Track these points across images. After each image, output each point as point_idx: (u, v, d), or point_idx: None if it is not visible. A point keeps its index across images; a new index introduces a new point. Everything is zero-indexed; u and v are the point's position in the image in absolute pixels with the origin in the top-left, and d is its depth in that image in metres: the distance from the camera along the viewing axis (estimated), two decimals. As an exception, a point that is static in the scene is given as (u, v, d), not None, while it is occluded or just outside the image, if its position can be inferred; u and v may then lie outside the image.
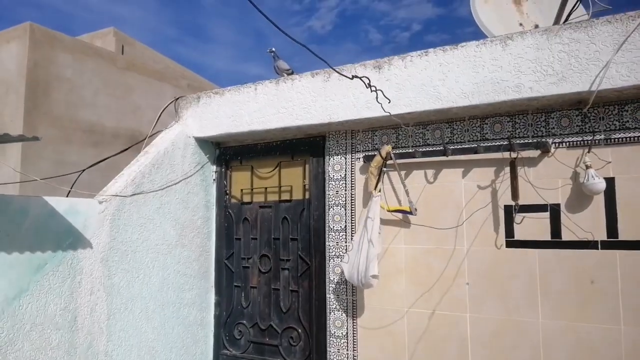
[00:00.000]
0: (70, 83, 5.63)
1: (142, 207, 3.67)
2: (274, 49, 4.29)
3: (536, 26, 4.05)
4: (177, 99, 4.35)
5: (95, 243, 3.31)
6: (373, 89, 2.82)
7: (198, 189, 4.20)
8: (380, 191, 3.34)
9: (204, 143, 4.30)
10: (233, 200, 4.30)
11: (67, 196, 3.93)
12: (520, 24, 4.04)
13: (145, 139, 4.16)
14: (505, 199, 3.10)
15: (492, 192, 3.16)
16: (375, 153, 3.47)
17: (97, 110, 5.87)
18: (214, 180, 4.36)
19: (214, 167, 4.38)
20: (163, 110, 4.27)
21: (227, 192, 4.32)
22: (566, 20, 3.62)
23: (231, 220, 4.25)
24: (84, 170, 4.07)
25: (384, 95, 3.09)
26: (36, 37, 5.44)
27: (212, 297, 4.31)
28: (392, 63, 3.31)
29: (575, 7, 3.63)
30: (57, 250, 3.11)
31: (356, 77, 2.72)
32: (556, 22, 3.74)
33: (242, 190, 4.25)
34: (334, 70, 3.09)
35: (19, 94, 5.21)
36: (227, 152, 4.35)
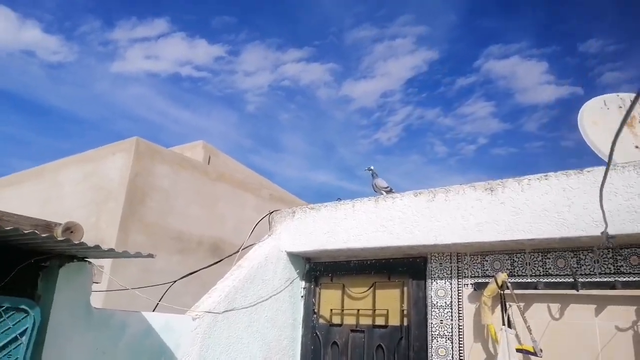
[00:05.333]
0: (165, 192, 5.91)
1: (232, 325, 3.50)
2: (372, 167, 4.29)
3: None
4: (272, 212, 4.36)
5: (185, 364, 3.12)
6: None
7: (286, 307, 4.00)
8: (510, 326, 2.96)
9: (295, 258, 4.18)
10: (321, 321, 4.03)
11: (154, 310, 3.86)
12: (637, 147, 3.81)
13: (237, 251, 4.12)
14: (653, 345, 2.64)
15: (635, 336, 2.71)
16: (488, 280, 3.17)
17: (186, 218, 6.05)
18: (302, 297, 4.16)
19: (303, 283, 4.20)
20: (258, 223, 4.26)
21: (315, 310, 4.07)
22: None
23: (318, 343, 3.95)
24: (175, 281, 4.03)
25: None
26: (140, 149, 5.86)
27: None
28: (507, 185, 3.14)
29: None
30: (150, 371, 2.94)
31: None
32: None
33: (331, 310, 3.99)
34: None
35: (118, 202, 5.49)
36: (318, 268, 4.19)
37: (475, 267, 3.39)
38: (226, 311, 3.47)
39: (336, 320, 3.95)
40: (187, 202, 6.18)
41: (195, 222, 6.16)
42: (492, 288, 3.09)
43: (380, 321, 3.71)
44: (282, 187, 9.55)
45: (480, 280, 3.29)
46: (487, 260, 3.36)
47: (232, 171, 8.33)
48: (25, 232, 2.15)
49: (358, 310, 3.85)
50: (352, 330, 3.81)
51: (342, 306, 3.96)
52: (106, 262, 5.61)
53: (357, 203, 3.83)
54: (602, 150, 3.69)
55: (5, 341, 2.24)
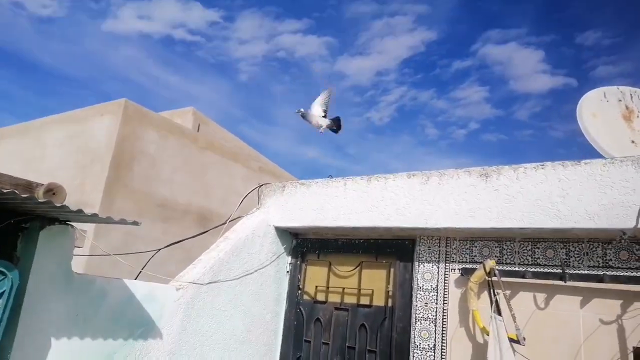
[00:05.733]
0: (152, 158, 5.78)
1: (216, 297, 3.46)
2: (302, 109, 4.31)
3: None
4: (261, 185, 4.29)
5: (165, 334, 3.08)
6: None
7: (271, 281, 3.97)
8: (500, 313, 2.95)
9: (282, 233, 4.13)
10: (306, 297, 4.02)
11: (136, 278, 3.80)
12: (633, 142, 3.78)
13: (225, 223, 4.05)
14: (635, 339, 2.66)
15: (619, 330, 2.73)
16: (476, 266, 3.16)
17: (173, 186, 5.94)
18: (288, 272, 4.13)
19: (289, 259, 4.17)
20: (246, 196, 4.19)
21: (300, 287, 4.05)
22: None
23: (302, 319, 3.94)
24: (159, 249, 3.96)
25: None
26: (128, 112, 5.70)
27: (272, 402, 3.89)
28: (502, 172, 3.10)
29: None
30: (129, 338, 2.90)
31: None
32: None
33: (316, 287, 3.97)
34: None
35: (104, 165, 5.36)
36: (305, 244, 4.15)
37: (464, 253, 3.37)
38: (210, 283, 3.42)
39: (321, 297, 3.93)
40: (175, 170, 6.06)
41: (182, 190, 6.06)
42: (479, 274, 3.08)
43: (364, 301, 3.70)
44: (272, 160, 9.44)
45: (467, 266, 3.28)
46: (475, 246, 3.34)
47: (222, 140, 8.18)
48: (5, 191, 2.05)
49: (343, 288, 3.83)
50: (337, 308, 3.80)
51: (328, 284, 3.94)
52: (89, 227, 5.51)
53: (349, 181, 3.77)
54: (600, 143, 3.66)
55: (-19, 303, 2.17)
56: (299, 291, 4.04)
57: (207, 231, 4.18)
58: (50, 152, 6.03)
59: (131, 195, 5.48)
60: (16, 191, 2.09)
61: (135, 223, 2.49)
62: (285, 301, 4.06)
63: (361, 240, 3.87)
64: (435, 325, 3.29)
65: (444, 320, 3.27)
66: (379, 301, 3.64)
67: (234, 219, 4.09)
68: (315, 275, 4.04)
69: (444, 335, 3.24)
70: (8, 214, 2.49)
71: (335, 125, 4.55)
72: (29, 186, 2.65)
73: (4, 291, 2.27)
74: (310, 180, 4.03)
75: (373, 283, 3.72)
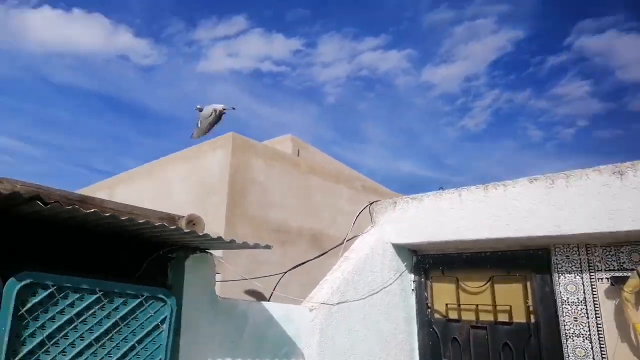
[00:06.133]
0: (262, 186, 6.04)
1: (347, 317, 3.47)
2: (198, 105, 4.28)
3: None
4: (372, 203, 4.27)
5: (307, 354, 3.14)
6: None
7: (398, 300, 3.90)
8: None
9: (401, 249, 4.06)
10: (437, 316, 3.89)
11: (269, 299, 3.94)
12: None
13: (342, 243, 4.09)
14: None
15: None
16: (628, 274, 2.86)
17: (284, 210, 6.14)
18: (413, 290, 4.04)
19: (412, 276, 4.08)
20: (359, 214, 4.21)
21: (429, 305, 3.93)
22: None
23: (436, 338, 3.81)
24: (285, 272, 4.10)
25: None
26: (237, 144, 6.02)
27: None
28: (639, 168, 2.80)
29: None
30: (274, 359, 2.99)
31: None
32: None
33: (447, 305, 3.83)
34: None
35: (222, 196, 5.68)
36: (426, 260, 4.04)
37: (610, 260, 3.08)
38: (340, 303, 3.45)
39: (453, 315, 3.78)
40: (283, 195, 6.27)
41: (293, 214, 6.23)
42: (634, 283, 2.79)
43: (503, 317, 3.50)
44: (368, 178, 9.44)
45: (617, 274, 2.99)
46: (622, 252, 3.04)
47: (322, 163, 8.35)
48: (156, 224, 2.22)
49: (477, 305, 3.65)
50: (473, 327, 3.62)
51: (458, 301, 3.78)
52: (218, 254, 5.85)
53: (464, 192, 3.63)
54: None
55: (148, 328, 2.36)
56: (429, 309, 3.92)
57: (326, 253, 4.25)
58: (174, 188, 6.55)
59: (249, 222, 5.75)
60: (165, 224, 2.26)
61: (267, 247, 2.59)
62: (415, 320, 3.96)
63: (488, 253, 3.68)
64: (592, 342, 3.00)
65: (600, 336, 2.98)
66: (519, 317, 3.41)
67: (350, 239, 4.11)
68: (443, 292, 3.91)
69: (603, 352, 2.94)
70: (156, 245, 2.70)
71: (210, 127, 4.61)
72: (172, 219, 2.85)
73: (165, 316, 2.45)
74: (421, 195, 3.93)
75: (509, 298, 3.51)
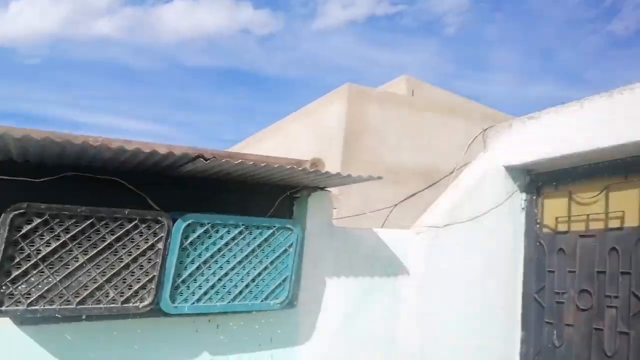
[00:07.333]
0: (376, 130, 6.42)
1: (452, 238, 3.77)
2: None
3: None
4: (486, 129, 4.35)
5: (412, 273, 3.56)
6: None
7: (505, 219, 4.06)
8: None
9: (513, 171, 4.11)
10: (545, 230, 3.97)
11: (381, 226, 4.38)
12: None
13: (452, 172, 4.30)
14: None
15: None
16: None
17: (398, 151, 6.48)
18: (523, 208, 4.14)
19: (523, 195, 4.16)
20: (473, 141, 4.34)
21: (538, 221, 4.02)
22: None
23: (542, 251, 3.92)
24: (395, 205, 4.49)
25: None
26: (352, 94, 6.45)
27: (517, 332, 4.02)
28: None
29: None
30: (383, 277, 3.48)
31: None
32: None
33: (556, 218, 3.89)
34: None
35: (338, 144, 6.23)
36: (539, 179, 4.08)
37: None
38: (447, 225, 3.75)
39: (562, 227, 3.85)
40: (398, 137, 6.58)
41: (407, 154, 6.53)
42: None
43: (614, 224, 3.48)
44: (494, 108, 9.13)
45: None
46: None
47: (436, 99, 8.36)
48: (287, 167, 2.65)
49: (588, 215, 3.66)
50: (581, 236, 3.67)
51: (569, 213, 3.81)
52: (333, 192, 6.47)
53: (586, 102, 3.52)
54: None
55: (279, 252, 2.97)
56: (537, 225, 4.02)
57: (436, 182, 4.51)
58: (297, 142, 7.30)
59: (363, 165, 6.22)
60: (294, 166, 2.73)
61: (379, 177, 2.94)
62: (522, 236, 4.09)
63: (605, 163, 3.58)
64: None
65: None
66: (631, 222, 3.37)
67: (461, 167, 4.29)
68: (554, 207, 3.95)
69: None
70: (284, 187, 3.27)
71: None
72: (299, 163, 3.29)
73: (292, 243, 3.04)
74: (539, 112, 3.89)
75: (623, 204, 3.45)
